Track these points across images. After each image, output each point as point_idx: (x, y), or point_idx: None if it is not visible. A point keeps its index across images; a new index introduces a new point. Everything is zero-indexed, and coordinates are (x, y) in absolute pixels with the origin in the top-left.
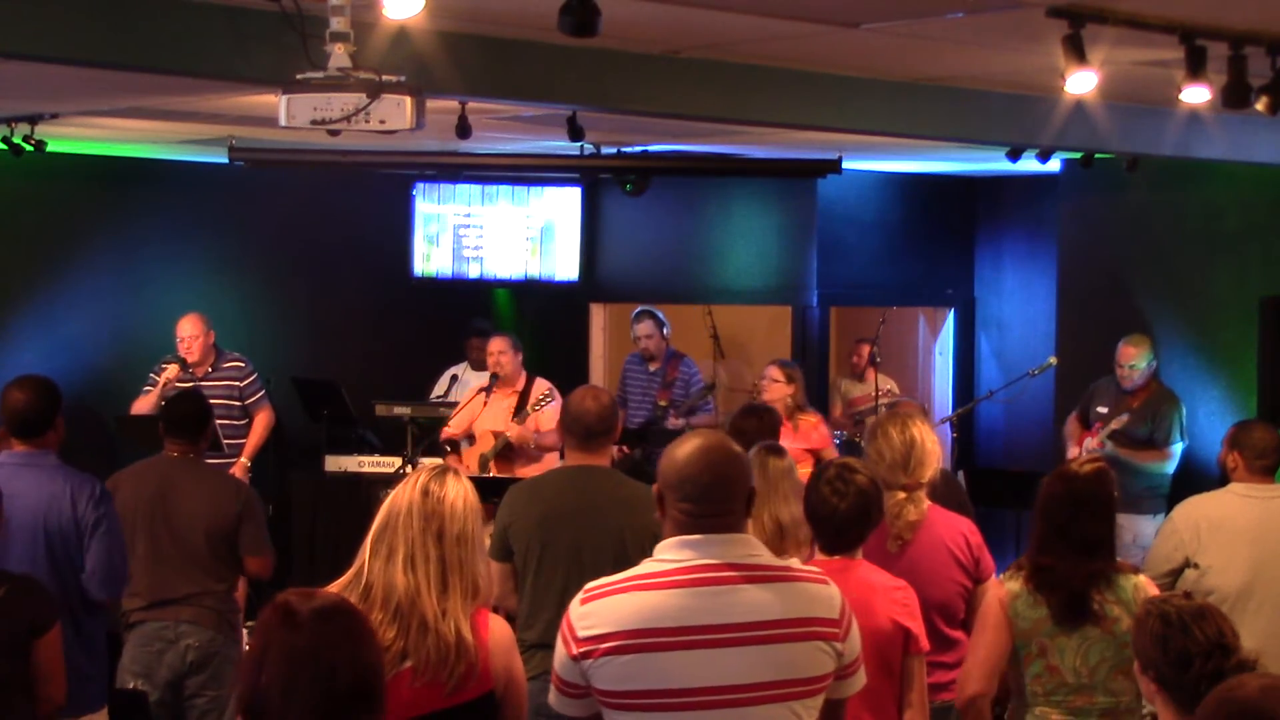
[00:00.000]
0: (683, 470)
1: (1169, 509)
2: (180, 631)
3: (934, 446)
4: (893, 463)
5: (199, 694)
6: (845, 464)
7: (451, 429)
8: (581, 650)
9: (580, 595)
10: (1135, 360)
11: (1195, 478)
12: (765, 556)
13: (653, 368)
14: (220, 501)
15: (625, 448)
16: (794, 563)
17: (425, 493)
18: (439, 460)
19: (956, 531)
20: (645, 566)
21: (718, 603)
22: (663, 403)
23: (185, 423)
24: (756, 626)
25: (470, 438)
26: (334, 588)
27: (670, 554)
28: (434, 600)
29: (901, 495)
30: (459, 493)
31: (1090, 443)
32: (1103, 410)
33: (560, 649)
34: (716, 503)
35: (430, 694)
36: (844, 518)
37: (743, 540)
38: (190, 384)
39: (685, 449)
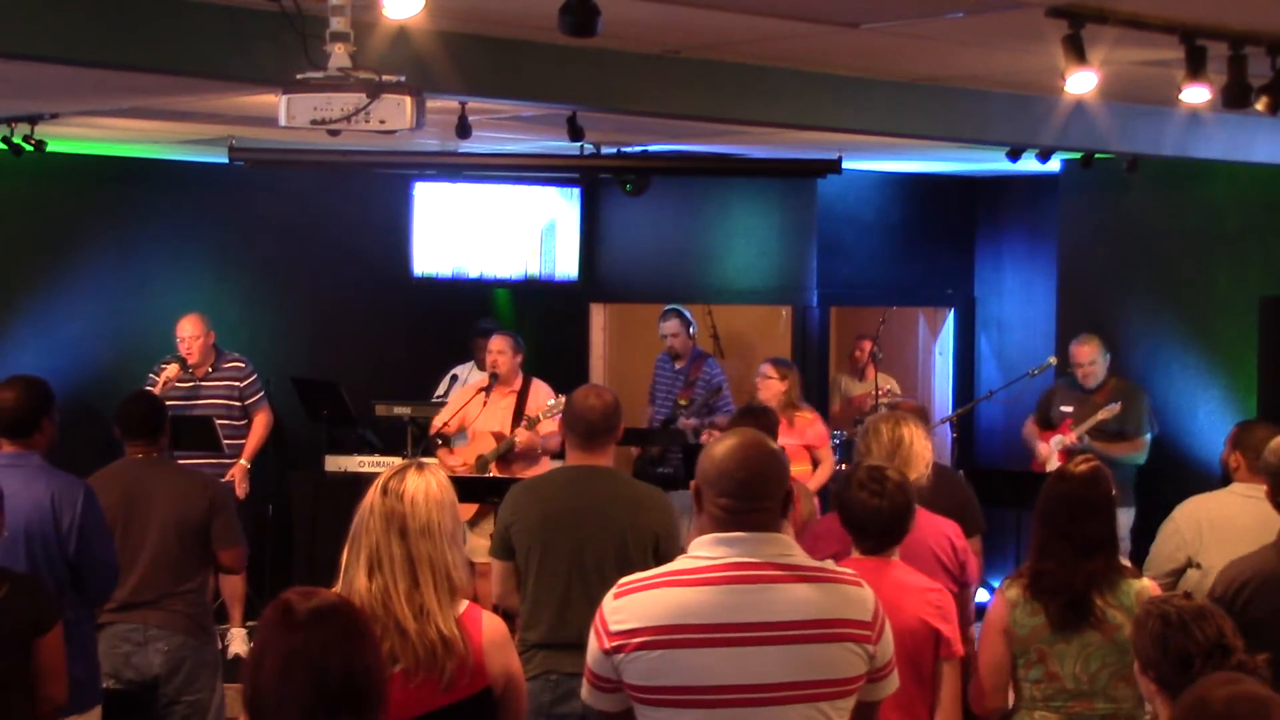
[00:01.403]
0: (722, 465)
1: (1137, 501)
2: (150, 634)
3: (922, 449)
4: (877, 458)
5: (177, 700)
6: (874, 466)
7: (438, 424)
8: (613, 644)
9: (614, 589)
10: (1092, 358)
11: (1196, 479)
12: (799, 556)
13: (678, 365)
14: (189, 498)
15: (641, 448)
16: (827, 563)
17: (385, 491)
18: (434, 458)
19: (941, 535)
20: (680, 562)
21: (751, 600)
22: (683, 401)
23: (140, 423)
24: (789, 626)
25: (462, 434)
26: None
27: (705, 551)
28: (402, 600)
29: None
30: (418, 487)
31: (1067, 438)
32: (1067, 409)
33: (593, 642)
34: (754, 500)
35: (426, 692)
36: (888, 517)
37: (777, 539)
38: (190, 384)
39: (724, 445)
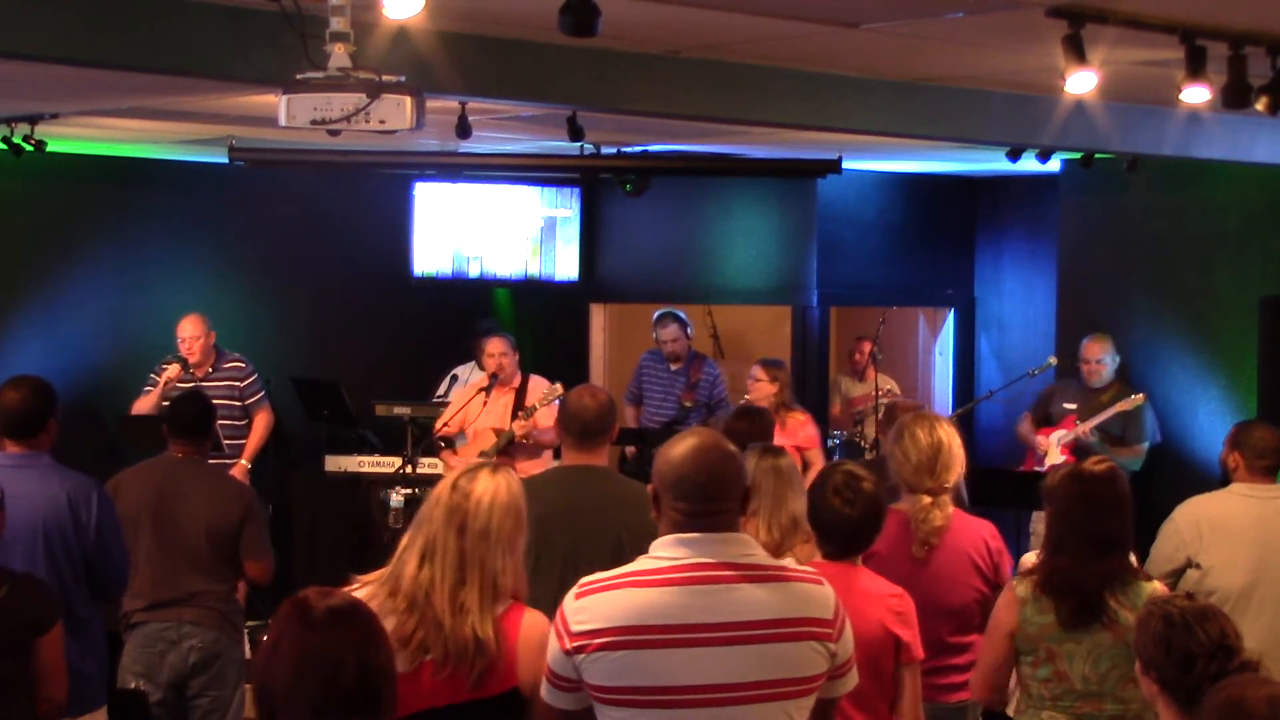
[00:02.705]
0: (679, 469)
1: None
2: (184, 632)
3: (959, 450)
4: (918, 465)
5: (202, 694)
6: (851, 470)
7: (445, 427)
8: (575, 645)
9: (575, 590)
10: (1102, 355)
11: (1195, 478)
12: (760, 556)
13: (674, 367)
14: (223, 503)
15: (636, 448)
16: (789, 562)
17: (454, 487)
18: (436, 459)
19: (978, 537)
20: (641, 563)
21: (712, 601)
22: (688, 404)
23: (190, 424)
24: (750, 626)
25: (463, 435)
26: (371, 577)
27: (665, 551)
28: (446, 595)
29: (927, 500)
30: (487, 488)
31: (1075, 432)
32: (1070, 407)
33: (553, 642)
34: (712, 501)
35: (453, 686)
36: (855, 526)
37: (738, 539)
38: (191, 384)
39: (680, 448)
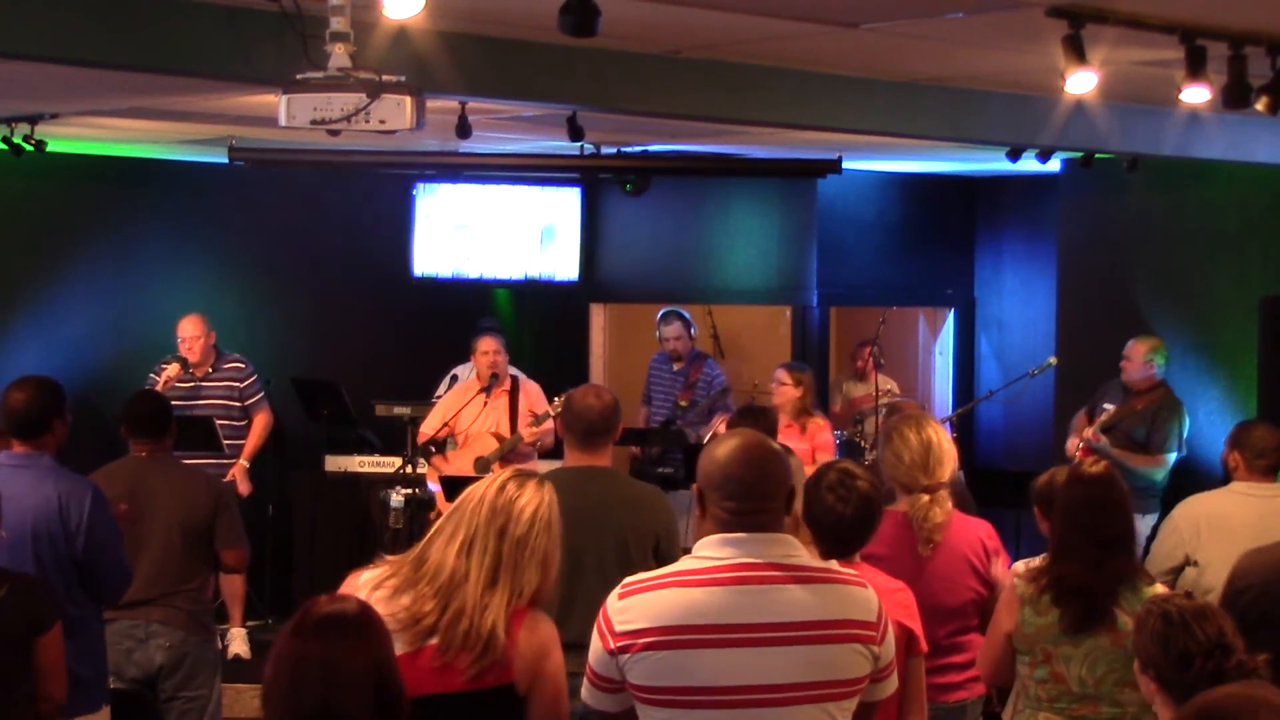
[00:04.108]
0: (726, 468)
1: (1164, 509)
2: (151, 631)
3: (950, 446)
4: (912, 464)
5: (175, 696)
6: (845, 468)
7: (429, 431)
8: (619, 645)
9: (618, 589)
10: (1130, 354)
11: (1195, 478)
12: (804, 557)
13: (676, 368)
14: (193, 497)
15: (638, 449)
16: (831, 564)
17: (501, 489)
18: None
19: (974, 537)
20: (685, 563)
21: (757, 601)
22: (683, 403)
23: (146, 421)
24: (795, 627)
25: (453, 439)
26: (394, 559)
27: (711, 551)
28: (477, 591)
29: (926, 498)
30: (531, 501)
31: (1086, 432)
32: (1107, 407)
33: (596, 642)
34: (758, 500)
35: (448, 676)
36: (848, 523)
37: (783, 540)
38: (191, 384)
39: (726, 447)
